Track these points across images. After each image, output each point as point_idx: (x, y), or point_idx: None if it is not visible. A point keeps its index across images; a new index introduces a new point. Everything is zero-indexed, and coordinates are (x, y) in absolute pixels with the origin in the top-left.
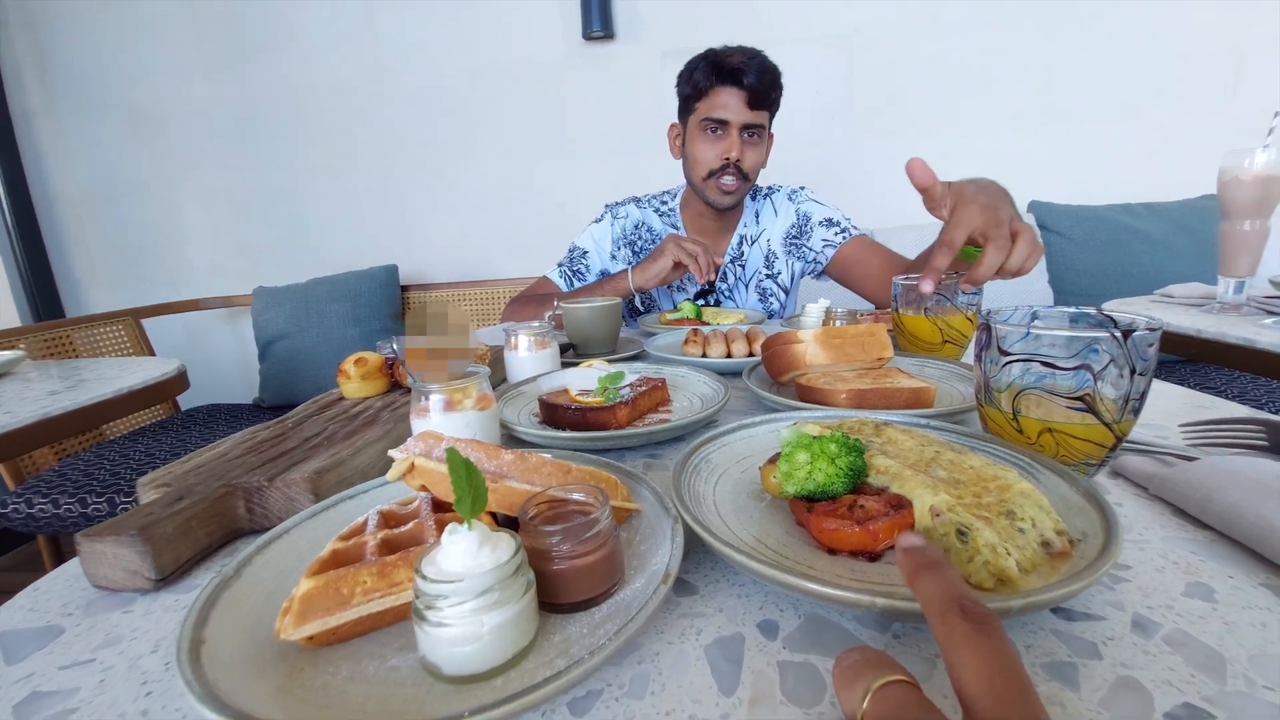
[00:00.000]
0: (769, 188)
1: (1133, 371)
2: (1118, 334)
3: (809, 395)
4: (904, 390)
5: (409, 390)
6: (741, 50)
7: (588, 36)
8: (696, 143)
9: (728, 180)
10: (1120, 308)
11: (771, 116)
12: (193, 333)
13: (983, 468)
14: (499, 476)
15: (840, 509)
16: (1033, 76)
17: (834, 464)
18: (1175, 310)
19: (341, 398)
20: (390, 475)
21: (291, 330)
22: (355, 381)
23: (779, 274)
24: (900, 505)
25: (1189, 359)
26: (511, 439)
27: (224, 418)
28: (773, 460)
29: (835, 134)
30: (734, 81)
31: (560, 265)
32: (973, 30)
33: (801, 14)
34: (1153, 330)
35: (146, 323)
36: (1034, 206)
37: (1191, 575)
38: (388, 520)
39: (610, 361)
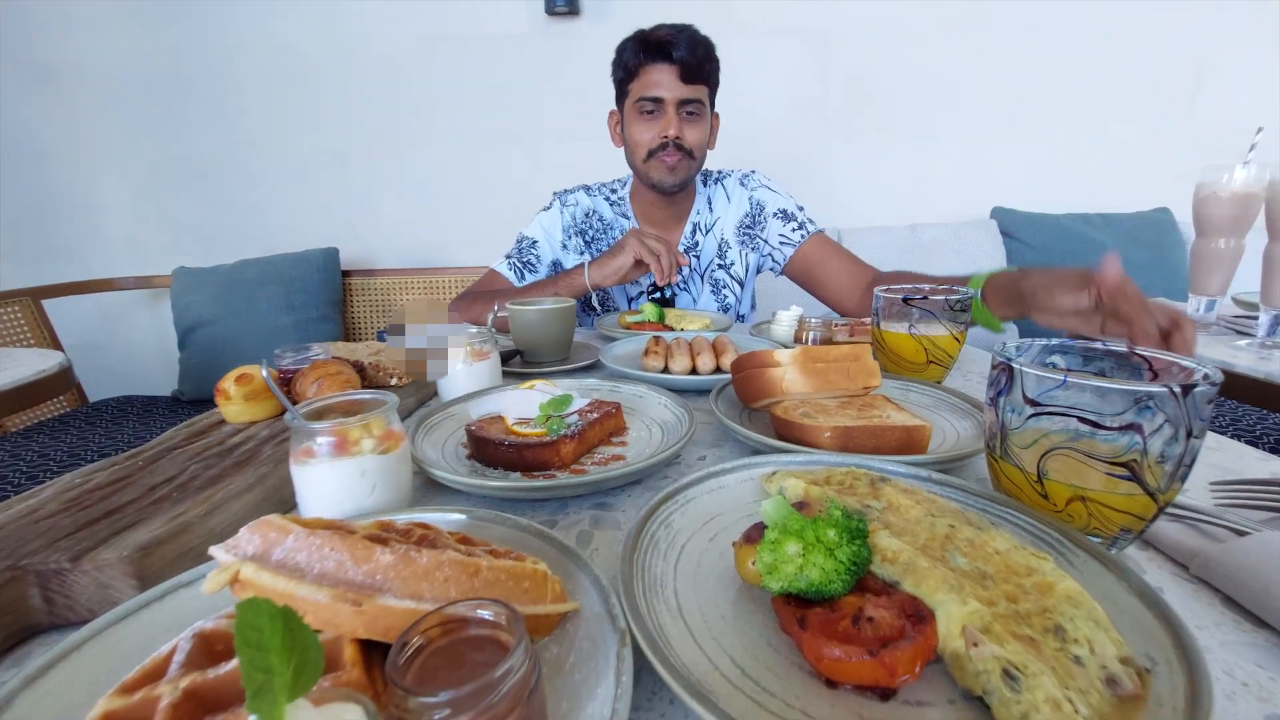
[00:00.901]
0: (719, 172)
1: (1188, 434)
2: (1176, 390)
3: (787, 430)
4: (895, 429)
5: None
6: (670, 25)
7: (551, 11)
8: (633, 124)
9: (669, 156)
10: None
11: (712, 93)
12: (106, 315)
13: (1011, 553)
14: (371, 591)
15: (842, 621)
16: (1003, 85)
17: (832, 557)
18: None
19: (222, 421)
20: (207, 587)
21: (215, 316)
22: (237, 403)
23: (732, 265)
24: (919, 615)
25: None
26: (427, 485)
27: (136, 412)
28: (750, 538)
29: (806, 131)
30: (664, 57)
31: (509, 257)
32: (949, 36)
33: (778, 4)
34: (1213, 384)
35: (51, 304)
36: (996, 213)
37: (1268, 703)
38: (207, 648)
39: (562, 373)
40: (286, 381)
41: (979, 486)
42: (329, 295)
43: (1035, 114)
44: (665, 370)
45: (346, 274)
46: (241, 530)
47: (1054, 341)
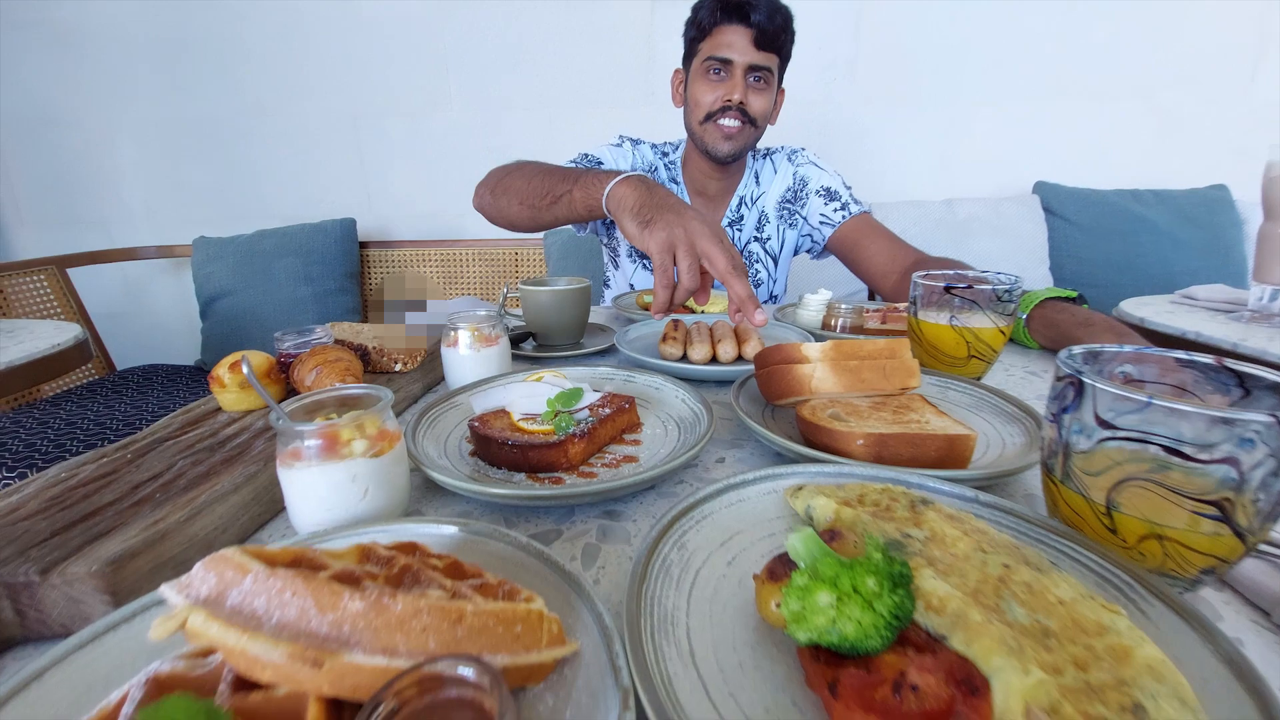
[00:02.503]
0: (768, 148)
1: None
2: None
3: (814, 435)
4: (936, 438)
5: None
6: None
7: None
8: (698, 84)
9: (728, 122)
10: (1137, 308)
11: (783, 64)
12: (131, 285)
13: (1078, 604)
14: (337, 646)
15: (880, 688)
16: (1046, 49)
17: (871, 609)
18: (1201, 316)
19: (219, 409)
20: (154, 634)
21: (235, 287)
22: (232, 391)
23: (768, 239)
24: (970, 684)
25: None
26: (427, 484)
27: (161, 381)
28: (773, 574)
29: (837, 96)
30: (740, 18)
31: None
32: None
33: None
34: None
35: (78, 273)
36: (1039, 188)
37: None
38: (160, 695)
39: (576, 358)
40: (286, 367)
41: (1033, 512)
42: (347, 267)
43: (1081, 81)
44: (684, 358)
45: (364, 245)
46: (196, 566)
47: (1127, 348)
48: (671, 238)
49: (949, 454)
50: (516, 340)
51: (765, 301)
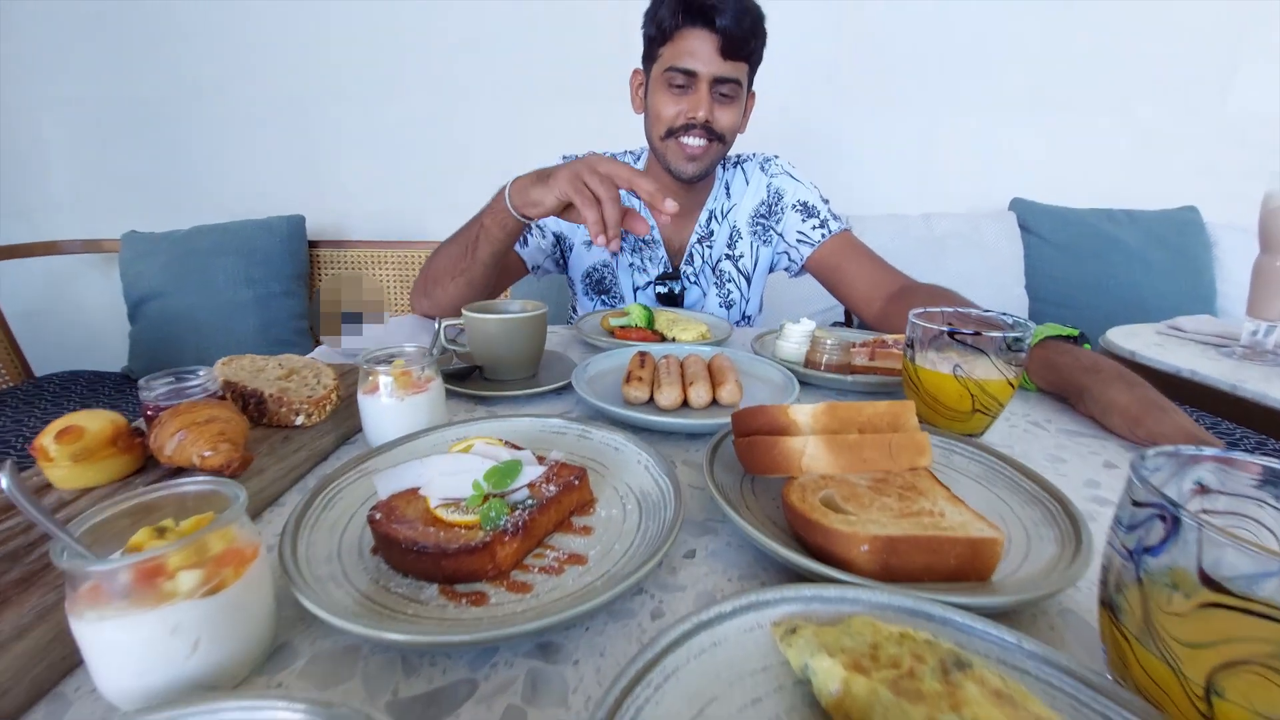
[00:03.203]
0: (738, 156)
1: None
2: None
3: (806, 531)
4: (956, 543)
5: (176, 472)
6: None
7: None
8: (659, 95)
9: (692, 141)
10: (1125, 339)
11: (752, 71)
12: (55, 280)
13: None
14: None
15: None
16: (1028, 60)
17: None
18: (1192, 351)
19: (49, 485)
20: None
21: (167, 287)
22: (63, 466)
23: (740, 256)
24: None
25: (1207, 410)
26: (296, 617)
27: (81, 390)
28: None
29: (815, 101)
30: (705, 22)
31: None
32: (973, 2)
33: None
34: None
35: None
36: (1016, 205)
37: None
38: None
39: (527, 396)
40: (151, 421)
41: (1097, 673)
42: (294, 268)
43: (1060, 92)
44: (650, 401)
45: (314, 244)
46: None
47: (1207, 452)
48: (573, 170)
49: (971, 562)
50: (460, 375)
51: (738, 323)
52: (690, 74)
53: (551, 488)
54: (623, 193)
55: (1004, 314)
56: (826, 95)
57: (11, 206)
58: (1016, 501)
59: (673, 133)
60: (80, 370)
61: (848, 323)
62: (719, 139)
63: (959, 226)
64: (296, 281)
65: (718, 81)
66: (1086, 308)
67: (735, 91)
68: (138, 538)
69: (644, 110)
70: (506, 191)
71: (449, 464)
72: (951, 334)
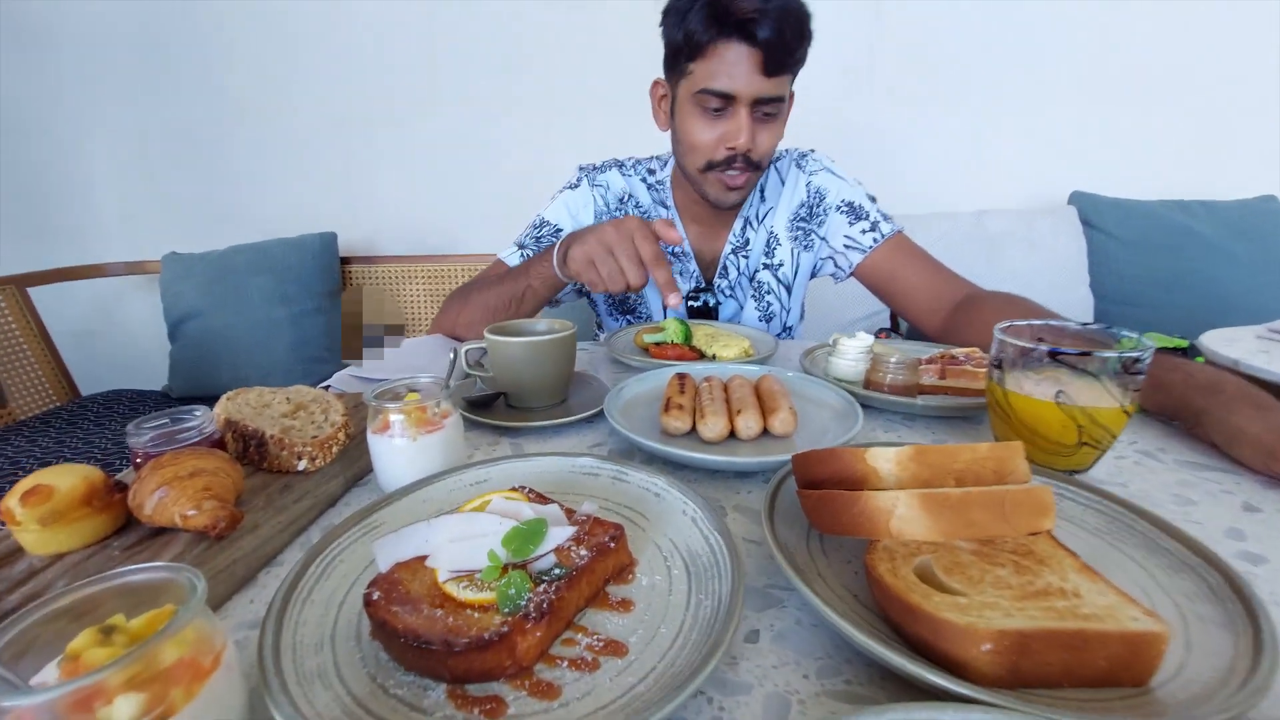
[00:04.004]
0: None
1: None
2: None
3: (902, 616)
4: (1108, 639)
5: (156, 533)
6: None
7: None
8: (691, 121)
9: (734, 174)
10: (1224, 345)
11: (794, 77)
12: (102, 302)
13: None
14: None
15: None
16: (1083, 45)
17: None
18: None
19: (19, 550)
20: None
21: (205, 307)
22: (31, 530)
23: (780, 265)
24: None
25: None
26: None
27: (123, 410)
28: None
29: (854, 99)
30: (744, 36)
31: (521, 246)
32: None
33: None
34: None
35: (42, 291)
36: (1076, 198)
37: None
38: None
39: (555, 427)
40: (116, 485)
41: None
42: (326, 285)
43: (1123, 80)
44: (692, 431)
45: (345, 261)
46: None
47: None
48: (587, 252)
49: (1128, 664)
50: (484, 403)
51: (779, 335)
52: (728, 97)
53: (583, 552)
54: (651, 199)
55: (1108, 327)
56: (868, 89)
57: (61, 230)
58: (1158, 568)
59: (713, 165)
60: (123, 389)
61: (893, 327)
62: (756, 167)
63: (1014, 224)
64: (329, 299)
65: (759, 102)
66: (1163, 307)
67: (778, 109)
68: (78, 643)
69: (670, 128)
70: (555, 259)
71: (460, 526)
72: (1054, 354)
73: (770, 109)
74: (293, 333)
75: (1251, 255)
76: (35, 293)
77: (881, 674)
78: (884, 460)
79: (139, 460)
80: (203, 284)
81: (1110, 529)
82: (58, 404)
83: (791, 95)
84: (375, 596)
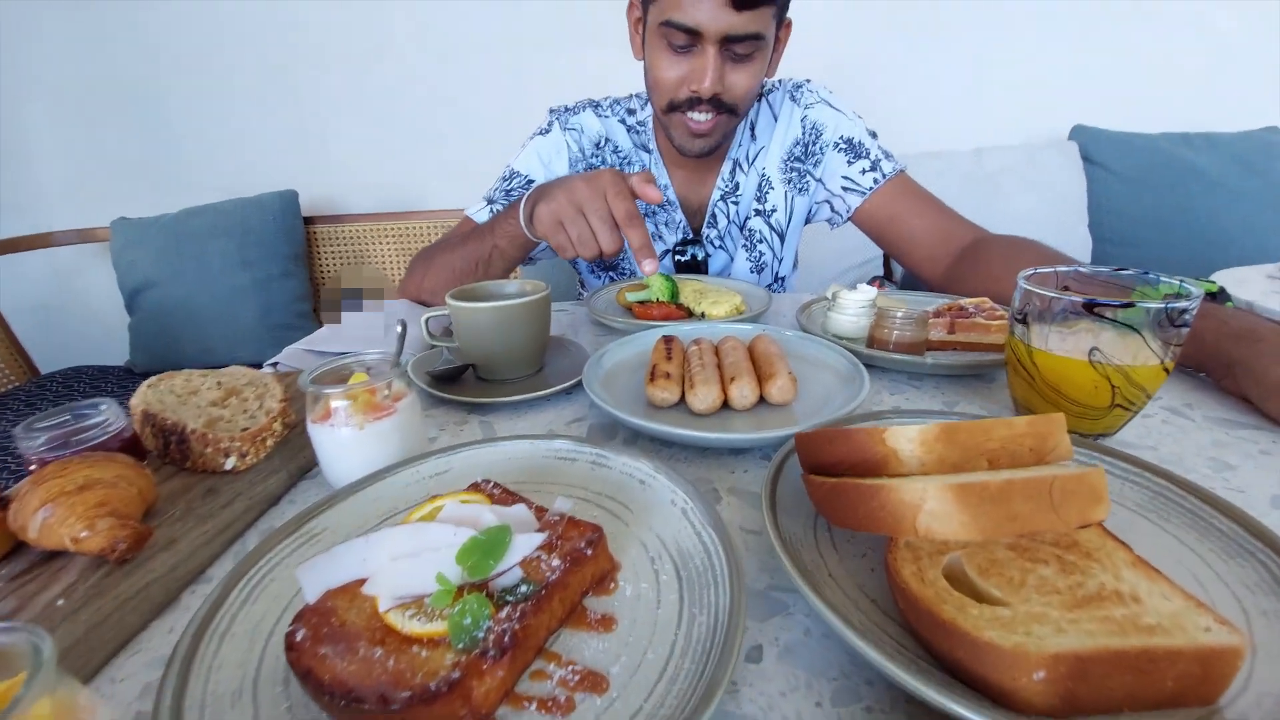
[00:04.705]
0: (761, 85)
1: None
2: None
3: (933, 632)
4: (1178, 656)
5: (50, 556)
6: None
7: None
8: (656, 55)
9: (698, 117)
10: (1235, 287)
11: (782, 11)
12: (55, 276)
13: None
14: None
15: None
16: None
17: None
18: None
19: None
20: None
21: (162, 276)
22: None
23: (773, 211)
24: None
25: None
26: None
27: (83, 387)
28: None
29: (847, 23)
30: None
31: (490, 201)
32: None
33: None
34: None
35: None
36: (1077, 133)
37: None
38: None
39: (530, 401)
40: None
41: None
42: (290, 248)
43: (1122, 3)
44: (681, 402)
45: (309, 221)
46: None
47: None
48: (554, 211)
49: (1198, 683)
50: (450, 376)
51: (770, 286)
52: (693, 32)
53: (556, 562)
54: (631, 142)
55: (1144, 272)
56: (858, 19)
57: (2, 200)
58: (1212, 553)
59: (675, 106)
60: (84, 366)
61: (887, 274)
62: (729, 110)
63: (1013, 160)
64: (294, 262)
65: (729, 40)
66: (1162, 246)
67: (753, 49)
68: None
69: (644, 59)
70: (522, 214)
71: (406, 541)
72: (1090, 305)
73: (743, 48)
74: (259, 299)
75: (1256, 189)
76: None
77: (908, 696)
78: (906, 440)
79: (33, 469)
80: (157, 250)
81: (1154, 505)
82: (15, 384)
83: (788, 25)
84: (299, 637)
